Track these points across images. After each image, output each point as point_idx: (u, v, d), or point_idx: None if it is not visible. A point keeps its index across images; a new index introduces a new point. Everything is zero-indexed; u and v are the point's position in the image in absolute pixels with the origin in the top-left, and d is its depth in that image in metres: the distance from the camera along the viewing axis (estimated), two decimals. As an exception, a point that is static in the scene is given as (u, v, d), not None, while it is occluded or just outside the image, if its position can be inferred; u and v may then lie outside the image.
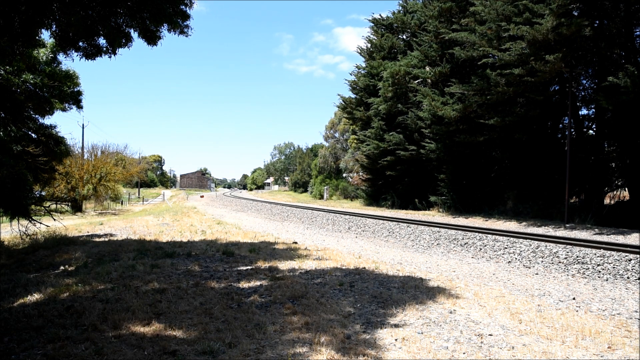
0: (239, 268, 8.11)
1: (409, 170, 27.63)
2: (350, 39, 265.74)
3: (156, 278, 7.13)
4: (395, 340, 4.35)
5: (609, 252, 9.67)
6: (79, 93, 13.17)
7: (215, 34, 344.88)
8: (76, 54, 7.55)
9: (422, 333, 4.56)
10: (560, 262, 9.71)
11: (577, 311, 5.92)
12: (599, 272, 8.89)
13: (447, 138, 22.10)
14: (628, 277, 8.42)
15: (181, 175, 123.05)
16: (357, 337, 4.40)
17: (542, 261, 10.05)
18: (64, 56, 7.79)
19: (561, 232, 13.90)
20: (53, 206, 22.99)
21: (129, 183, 56.94)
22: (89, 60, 7.64)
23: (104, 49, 7.55)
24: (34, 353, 4.11)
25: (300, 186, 70.74)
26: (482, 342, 4.33)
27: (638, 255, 9.12)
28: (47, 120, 16.94)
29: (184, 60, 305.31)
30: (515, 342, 4.34)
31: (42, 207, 15.29)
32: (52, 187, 24.39)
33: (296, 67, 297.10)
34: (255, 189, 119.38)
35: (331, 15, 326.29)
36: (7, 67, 10.19)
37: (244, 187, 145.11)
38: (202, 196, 60.30)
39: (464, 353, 4.06)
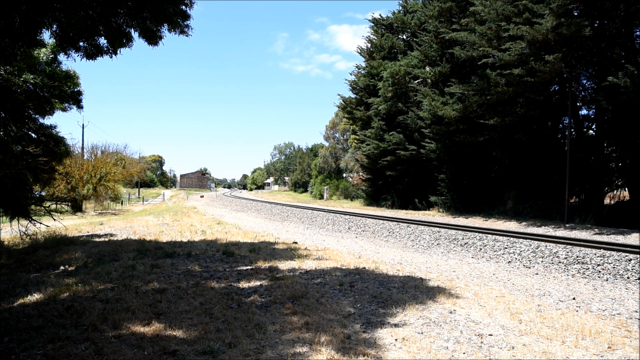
0: (239, 268, 8.11)
1: (409, 170, 27.64)
2: (347, 37, 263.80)
3: (156, 278, 7.13)
4: (395, 340, 4.35)
5: (609, 252, 9.68)
6: (79, 93, 13.16)
7: (211, 33, 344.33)
8: (77, 54, 7.55)
9: (422, 333, 4.56)
10: (560, 262, 9.72)
11: (577, 311, 5.92)
12: (599, 272, 8.89)
13: (447, 138, 22.10)
14: (628, 277, 8.42)
15: (181, 175, 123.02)
16: (357, 337, 4.40)
17: (542, 261, 10.05)
18: (65, 56, 7.80)
19: (561, 232, 13.90)
20: (53, 206, 22.96)
21: (129, 183, 56.94)
22: (90, 60, 7.64)
23: (105, 49, 7.56)
24: (34, 353, 4.11)
25: (300, 186, 70.74)
26: (482, 342, 4.33)
27: (638, 255, 9.12)
28: (47, 120, 16.92)
29: (183, 60, 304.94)
30: (515, 342, 4.34)
31: (42, 207, 15.29)
32: (52, 187, 24.37)
33: (292, 67, 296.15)
34: (255, 189, 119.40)
35: (326, 13, 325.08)
36: (8, 67, 10.18)
37: (244, 187, 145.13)
38: (202, 196, 60.30)
39: (464, 353, 4.06)
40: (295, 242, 12.69)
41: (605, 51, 16.57)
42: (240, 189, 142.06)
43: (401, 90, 26.68)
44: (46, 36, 8.29)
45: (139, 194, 63.57)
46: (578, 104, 19.96)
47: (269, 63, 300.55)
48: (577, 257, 9.72)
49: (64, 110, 13.05)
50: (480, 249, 11.79)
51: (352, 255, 10.45)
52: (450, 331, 4.64)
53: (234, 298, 5.91)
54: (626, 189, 18.77)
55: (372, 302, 5.72)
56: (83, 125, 37.73)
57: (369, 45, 32.70)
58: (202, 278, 7.17)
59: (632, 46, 16.57)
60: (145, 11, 7.17)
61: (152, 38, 7.68)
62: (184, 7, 7.67)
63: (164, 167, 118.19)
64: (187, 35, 7.95)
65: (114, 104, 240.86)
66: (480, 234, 13.20)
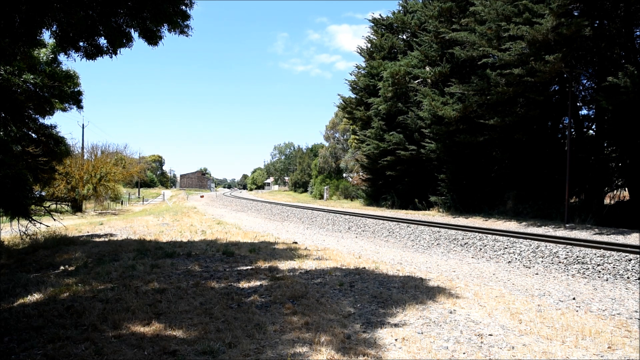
0: (239, 268, 8.11)
1: (409, 170, 27.64)
2: (347, 37, 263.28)
3: (156, 278, 7.13)
4: (395, 340, 4.35)
5: (609, 252, 9.68)
6: (79, 93, 13.17)
7: (211, 33, 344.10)
8: (77, 54, 7.56)
9: (422, 333, 4.56)
10: (560, 262, 9.71)
11: (577, 311, 5.92)
12: (599, 272, 8.89)
13: (447, 138, 22.10)
14: (628, 277, 8.42)
15: (181, 175, 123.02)
16: (357, 337, 4.40)
17: (542, 261, 10.05)
18: (65, 56, 7.80)
19: (561, 232, 13.90)
20: (53, 206, 23.00)
21: (129, 183, 56.95)
22: (90, 60, 7.65)
23: (105, 49, 7.56)
24: (34, 353, 4.11)
25: (300, 186, 70.74)
26: (482, 342, 4.33)
27: (638, 255, 9.12)
28: (47, 120, 16.88)
29: (183, 60, 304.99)
30: (515, 342, 4.34)
31: (42, 207, 15.28)
32: (52, 187, 24.38)
33: (292, 67, 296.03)
34: (255, 189, 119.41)
35: (326, 13, 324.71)
36: (8, 67, 10.18)
37: (244, 187, 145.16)
38: (202, 196, 60.31)
39: (464, 353, 4.06)
40: (295, 242, 12.69)
41: (605, 51, 16.58)
42: (240, 189, 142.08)
43: (401, 90, 26.68)
44: (46, 36, 8.30)
45: (139, 194, 63.57)
46: (578, 104, 19.96)
47: (269, 63, 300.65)
48: (577, 257, 9.72)
49: (64, 110, 13.05)
50: (480, 249, 11.79)
51: (352, 255, 10.45)
52: (450, 331, 4.64)
53: (234, 298, 5.91)
54: (626, 189, 18.77)
55: (372, 302, 5.72)
56: (83, 125, 37.76)
57: (369, 45, 32.70)
58: (202, 278, 7.17)
59: (632, 46, 16.57)
60: (145, 11, 7.18)
61: (152, 38, 7.68)
62: (184, 7, 7.67)
63: (164, 167, 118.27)
64: (187, 35, 7.96)
65: (114, 104, 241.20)
66: (480, 234, 13.20)
